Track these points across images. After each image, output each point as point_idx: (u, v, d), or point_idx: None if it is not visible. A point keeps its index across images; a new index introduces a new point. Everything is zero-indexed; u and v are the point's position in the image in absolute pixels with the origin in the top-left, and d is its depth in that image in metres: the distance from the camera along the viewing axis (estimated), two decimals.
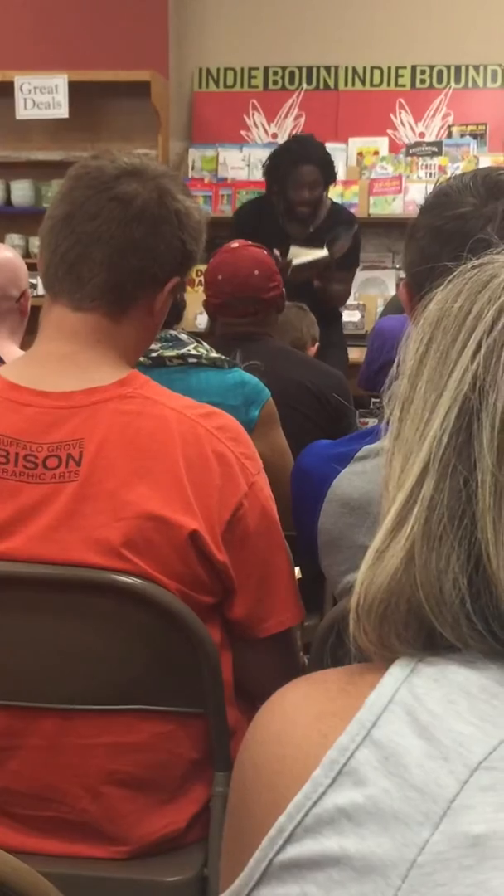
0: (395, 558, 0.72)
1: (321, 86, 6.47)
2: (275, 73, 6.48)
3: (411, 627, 0.72)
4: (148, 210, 1.64)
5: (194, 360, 2.43)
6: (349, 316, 6.15)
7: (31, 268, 3.06)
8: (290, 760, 0.70)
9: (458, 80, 6.39)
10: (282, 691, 0.76)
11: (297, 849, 0.67)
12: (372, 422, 3.99)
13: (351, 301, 6.21)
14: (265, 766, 0.71)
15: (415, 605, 0.71)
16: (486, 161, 6.00)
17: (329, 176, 5.09)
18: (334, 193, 6.12)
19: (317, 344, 3.80)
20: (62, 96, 5.90)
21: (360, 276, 6.33)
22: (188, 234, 1.68)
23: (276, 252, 4.21)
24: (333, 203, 5.29)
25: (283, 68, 6.47)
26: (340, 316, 5.24)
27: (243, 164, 6.22)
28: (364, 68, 6.43)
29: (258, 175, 6.18)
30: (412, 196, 6.06)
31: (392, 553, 0.72)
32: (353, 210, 6.12)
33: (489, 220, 1.53)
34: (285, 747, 0.71)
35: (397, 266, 6.18)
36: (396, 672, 0.71)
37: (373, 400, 4.67)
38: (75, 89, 5.88)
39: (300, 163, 5.06)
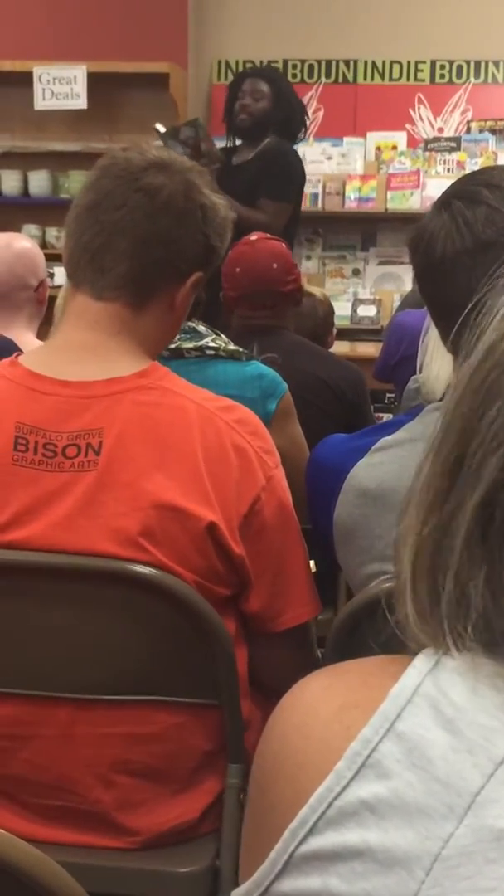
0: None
1: (340, 80, 6.46)
2: (294, 67, 6.47)
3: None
4: (173, 202, 1.64)
5: (212, 352, 2.43)
6: (364, 310, 6.15)
7: (48, 258, 3.07)
8: (313, 752, 0.69)
9: (477, 76, 6.38)
10: (303, 682, 0.75)
11: (319, 841, 0.67)
12: (387, 416, 3.99)
13: (366, 296, 6.21)
14: (287, 757, 0.71)
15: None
16: None
17: (279, 95, 4.99)
18: (352, 187, 6.13)
19: (334, 332, 3.79)
20: (81, 87, 5.90)
21: (377, 270, 6.33)
22: (212, 229, 1.68)
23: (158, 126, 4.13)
24: (277, 142, 5.03)
25: (303, 62, 6.46)
26: None
27: None
28: (383, 62, 6.41)
29: None
30: (430, 191, 6.05)
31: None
32: (369, 204, 6.12)
33: None
34: (307, 739, 0.70)
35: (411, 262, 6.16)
36: (420, 664, 0.70)
37: (387, 395, 4.66)
38: (94, 80, 5.88)
39: (248, 76, 5.05)
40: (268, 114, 4.99)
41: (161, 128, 4.87)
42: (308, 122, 5.35)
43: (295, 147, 5.10)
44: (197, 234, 1.66)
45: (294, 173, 4.99)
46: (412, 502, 0.74)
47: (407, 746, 0.66)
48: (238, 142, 5.06)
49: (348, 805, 0.66)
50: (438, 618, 0.71)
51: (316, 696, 0.73)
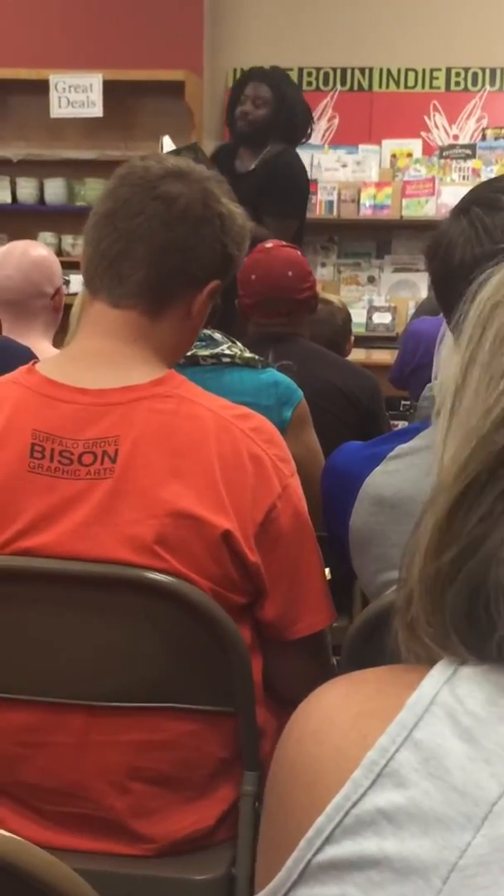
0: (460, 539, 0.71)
1: (355, 87, 6.46)
2: (309, 74, 6.47)
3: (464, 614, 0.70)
4: (191, 211, 1.64)
5: (228, 360, 2.43)
6: (379, 318, 6.14)
7: (64, 266, 3.08)
8: (329, 761, 0.69)
9: (493, 83, 6.37)
10: (319, 691, 0.75)
11: (336, 850, 0.66)
12: (402, 424, 3.98)
13: (381, 303, 6.21)
14: (303, 766, 0.71)
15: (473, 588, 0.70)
16: None
17: (283, 101, 4.92)
18: (367, 194, 6.13)
19: (352, 339, 3.80)
20: (97, 95, 5.91)
21: (392, 278, 6.33)
22: (230, 237, 1.69)
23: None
24: (282, 150, 4.99)
25: (318, 69, 6.46)
26: None
27: None
28: (398, 70, 6.41)
29: None
30: (445, 199, 6.04)
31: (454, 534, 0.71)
32: (384, 212, 6.12)
33: None
34: (323, 747, 0.70)
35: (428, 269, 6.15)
36: (437, 673, 0.70)
37: (402, 402, 4.66)
38: (109, 88, 5.89)
39: (251, 79, 4.98)
40: (268, 120, 4.96)
41: (169, 145, 4.85)
42: (313, 124, 5.31)
43: (302, 147, 5.05)
44: (214, 242, 1.67)
45: (298, 187, 4.95)
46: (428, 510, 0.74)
47: (424, 755, 0.66)
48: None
49: (365, 814, 0.66)
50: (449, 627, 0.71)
51: (333, 704, 0.73)
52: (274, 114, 4.96)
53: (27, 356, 2.25)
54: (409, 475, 1.57)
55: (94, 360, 1.63)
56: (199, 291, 1.67)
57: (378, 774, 0.66)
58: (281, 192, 4.77)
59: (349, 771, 0.67)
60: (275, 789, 0.73)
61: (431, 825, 0.64)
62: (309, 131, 5.25)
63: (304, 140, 5.19)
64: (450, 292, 1.58)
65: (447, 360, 1.89)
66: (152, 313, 1.65)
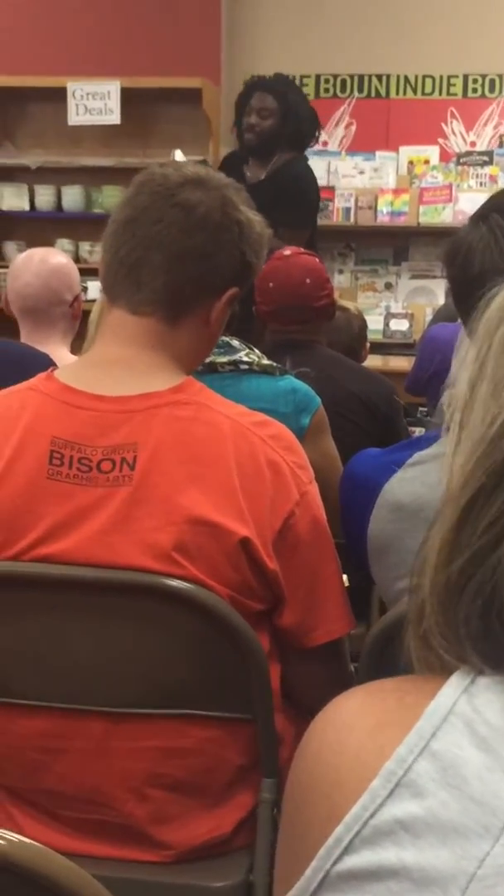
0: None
1: (372, 94, 6.47)
2: (326, 81, 6.48)
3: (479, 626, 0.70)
4: (210, 218, 1.64)
5: (246, 367, 2.43)
6: (397, 324, 6.14)
7: (81, 272, 3.09)
8: (347, 770, 0.69)
9: None
10: (337, 700, 0.75)
11: (354, 859, 0.67)
12: (419, 431, 3.98)
13: (398, 310, 6.21)
14: (321, 775, 0.71)
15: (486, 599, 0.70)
16: None
17: (288, 110, 4.90)
18: (384, 201, 6.13)
19: (368, 346, 3.80)
20: (114, 103, 5.94)
21: (409, 284, 6.32)
22: (248, 245, 1.69)
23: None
24: (291, 159, 5.01)
25: (335, 76, 6.47)
26: None
27: None
28: (416, 77, 6.42)
29: None
30: (462, 205, 6.04)
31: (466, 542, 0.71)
32: (402, 219, 6.11)
33: None
34: (342, 757, 0.70)
35: (446, 275, 6.15)
36: (455, 683, 0.70)
37: (419, 409, 4.65)
38: (127, 96, 5.92)
39: (256, 89, 4.97)
40: (276, 130, 4.97)
41: (179, 158, 4.86)
42: (320, 129, 5.31)
43: (319, 154, 5.08)
44: (233, 249, 1.67)
45: (310, 197, 4.97)
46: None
47: (442, 765, 0.66)
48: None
49: (384, 824, 0.66)
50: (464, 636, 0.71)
51: (350, 714, 0.73)
52: (280, 123, 4.98)
53: (46, 363, 2.26)
54: (427, 482, 1.57)
55: (114, 367, 1.63)
56: (218, 299, 1.68)
57: (396, 784, 0.67)
58: (293, 203, 4.79)
59: (367, 780, 0.67)
60: (293, 798, 0.74)
61: (449, 835, 0.64)
62: (316, 135, 5.25)
63: (312, 144, 5.19)
64: (468, 298, 1.58)
65: (458, 373, 1.89)
66: (171, 320, 1.65)
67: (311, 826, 0.70)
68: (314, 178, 5.17)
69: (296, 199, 4.86)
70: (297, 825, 0.72)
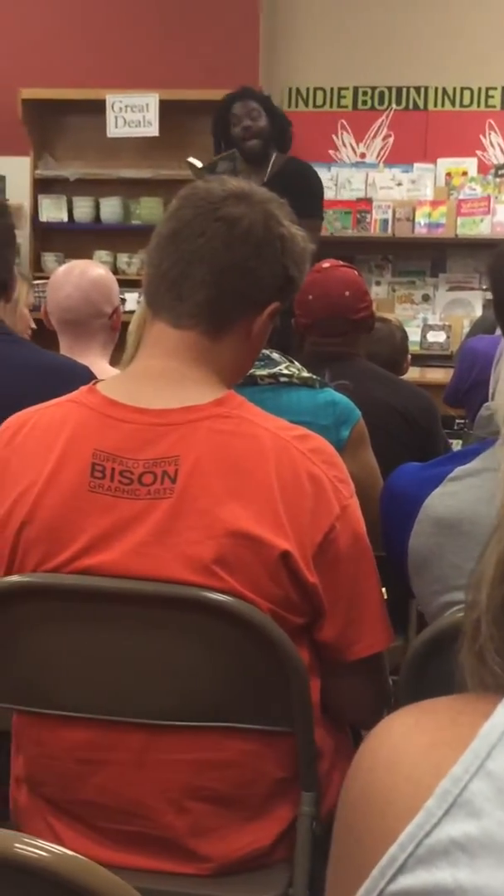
0: None
1: (410, 106, 6.46)
2: (364, 94, 6.48)
3: None
4: (253, 233, 1.65)
5: (286, 380, 2.42)
6: (434, 336, 6.12)
7: (119, 284, 3.11)
8: (401, 789, 0.69)
9: None
10: (389, 719, 0.75)
11: (409, 879, 0.66)
12: (457, 442, 3.96)
13: (436, 321, 6.19)
14: (374, 794, 0.70)
15: None
16: None
17: (271, 110, 5.08)
18: (422, 213, 6.12)
19: (409, 357, 3.80)
20: (153, 115, 5.97)
21: (447, 296, 6.30)
22: (291, 259, 1.69)
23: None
24: (289, 158, 5.19)
25: (373, 88, 6.47)
26: None
27: (331, 183, 6.22)
28: (454, 89, 6.40)
29: (346, 195, 6.20)
30: (500, 217, 6.02)
31: None
32: (439, 230, 6.10)
33: None
34: (396, 776, 0.70)
35: (484, 287, 6.13)
36: None
37: (457, 421, 4.64)
38: (165, 108, 5.94)
39: (234, 101, 5.07)
40: (268, 129, 5.07)
41: (197, 162, 4.87)
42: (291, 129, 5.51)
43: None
44: (275, 264, 1.67)
45: (317, 190, 5.12)
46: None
47: (497, 786, 0.66)
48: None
49: (439, 844, 0.65)
50: None
51: (404, 732, 0.72)
52: (270, 122, 5.10)
53: (88, 376, 2.27)
54: (468, 497, 1.57)
55: (156, 380, 1.64)
56: (260, 313, 1.68)
57: (451, 804, 0.66)
58: (306, 195, 4.91)
59: (422, 800, 0.67)
60: (345, 817, 0.73)
61: None
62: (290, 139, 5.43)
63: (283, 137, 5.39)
64: None
65: (500, 385, 1.88)
66: (213, 334, 1.65)
67: (363, 845, 0.69)
68: (316, 173, 5.39)
69: (308, 191, 5.02)
70: (349, 843, 0.72)
